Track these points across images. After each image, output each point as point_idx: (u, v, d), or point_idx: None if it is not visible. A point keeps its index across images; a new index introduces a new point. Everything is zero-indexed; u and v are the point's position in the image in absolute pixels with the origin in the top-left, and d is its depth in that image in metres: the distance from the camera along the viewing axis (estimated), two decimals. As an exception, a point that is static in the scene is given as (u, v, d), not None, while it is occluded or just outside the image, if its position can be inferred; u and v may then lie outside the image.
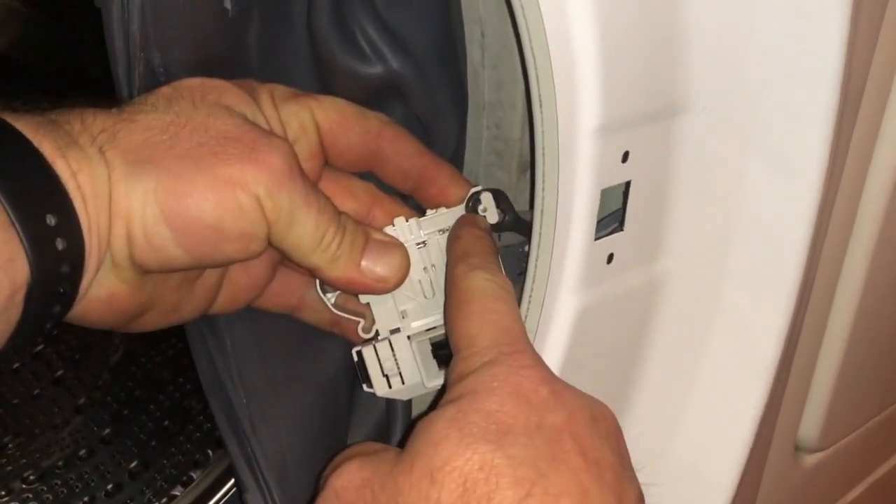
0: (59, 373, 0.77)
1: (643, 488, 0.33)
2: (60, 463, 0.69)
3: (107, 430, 0.71)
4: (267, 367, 0.42)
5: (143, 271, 0.35)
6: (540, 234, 0.38)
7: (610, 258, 0.42)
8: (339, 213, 0.38)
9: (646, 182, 0.41)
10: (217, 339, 0.42)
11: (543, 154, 0.36)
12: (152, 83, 0.38)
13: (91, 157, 0.32)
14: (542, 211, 0.38)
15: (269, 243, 0.36)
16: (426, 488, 0.29)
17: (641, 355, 0.46)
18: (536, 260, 0.39)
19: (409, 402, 0.47)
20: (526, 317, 0.40)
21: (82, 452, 0.70)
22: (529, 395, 0.31)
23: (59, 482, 0.67)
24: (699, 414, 0.48)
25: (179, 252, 0.34)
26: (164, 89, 0.36)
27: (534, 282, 0.39)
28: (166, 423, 0.70)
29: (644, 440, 0.47)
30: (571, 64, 0.35)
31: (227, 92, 0.37)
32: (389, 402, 0.46)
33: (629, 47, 0.37)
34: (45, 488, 0.67)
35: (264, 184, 0.34)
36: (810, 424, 0.61)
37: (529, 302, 0.40)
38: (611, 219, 0.42)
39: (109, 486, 0.66)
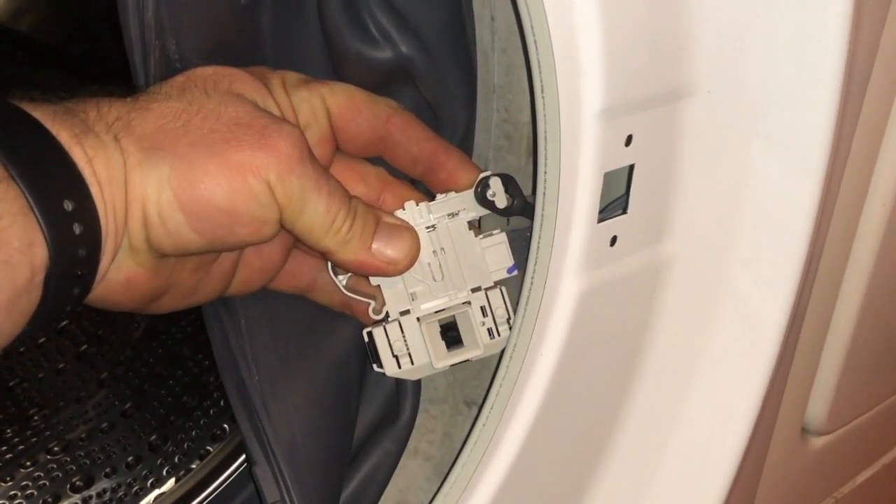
0: (83, 348, 0.80)
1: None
2: (83, 435, 0.71)
3: (128, 405, 0.73)
4: (279, 347, 0.44)
5: (160, 255, 0.36)
6: (542, 216, 0.39)
7: (613, 240, 0.42)
8: (349, 197, 0.39)
9: (650, 165, 0.41)
10: (232, 319, 0.43)
11: (545, 139, 0.37)
12: (168, 69, 0.39)
13: (106, 144, 0.33)
14: (544, 193, 0.38)
15: (282, 226, 0.37)
16: None
17: (645, 338, 0.47)
18: (539, 242, 0.40)
19: (419, 380, 0.48)
20: (528, 298, 0.41)
21: (104, 425, 0.72)
22: None
23: (82, 454, 0.70)
24: (701, 397, 0.48)
25: (194, 236, 0.35)
26: (178, 78, 0.37)
27: (536, 263, 0.40)
28: (185, 398, 0.72)
29: (647, 422, 0.48)
30: (573, 48, 0.35)
31: (238, 80, 0.38)
32: (399, 381, 0.47)
33: (633, 31, 0.37)
34: (68, 459, 0.69)
35: (275, 169, 0.35)
36: (818, 406, 0.61)
37: (532, 283, 0.40)
38: (615, 202, 0.42)
39: (130, 458, 0.68)
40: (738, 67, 0.40)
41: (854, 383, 0.62)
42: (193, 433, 0.68)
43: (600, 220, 0.41)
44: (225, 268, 0.41)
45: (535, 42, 0.34)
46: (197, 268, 0.40)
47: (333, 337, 0.45)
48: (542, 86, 0.35)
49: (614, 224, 0.42)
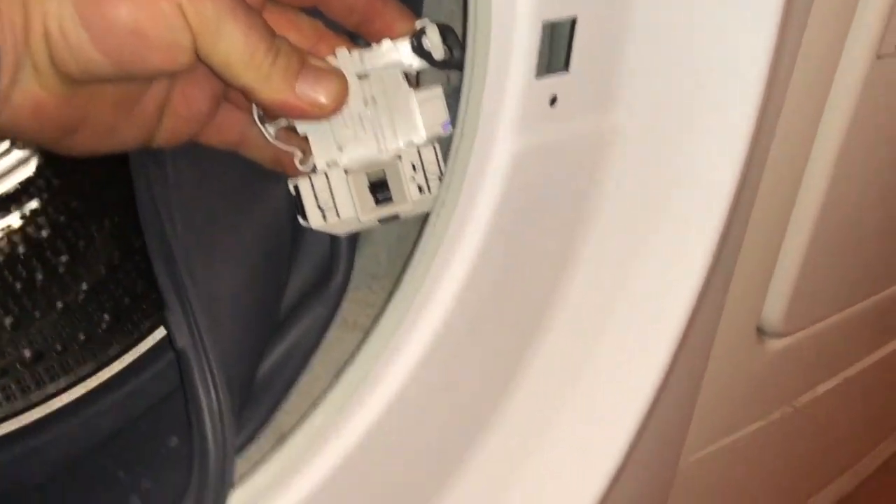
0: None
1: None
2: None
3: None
4: (207, 201, 0.42)
5: (68, 80, 0.35)
6: (473, 65, 0.37)
7: (553, 100, 0.41)
8: (273, 34, 0.37)
9: (595, 21, 0.40)
10: (159, 170, 0.42)
11: (476, -25, 0.35)
12: None
13: None
14: (474, 41, 0.37)
15: (198, 58, 0.36)
16: None
17: (588, 210, 0.46)
18: (469, 92, 0.38)
19: (353, 242, 0.47)
20: (458, 152, 0.39)
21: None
22: None
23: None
24: (642, 275, 0.47)
25: (99, 56, 0.34)
26: None
27: (466, 114, 0.38)
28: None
29: (587, 295, 0.48)
30: None
31: None
32: (332, 241, 0.46)
33: None
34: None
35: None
36: (774, 307, 0.60)
37: (462, 136, 0.39)
38: (556, 59, 0.41)
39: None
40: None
41: (814, 285, 0.61)
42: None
43: (539, 76, 0.39)
44: (148, 111, 0.40)
45: None
46: (116, 105, 0.38)
47: (265, 196, 0.44)
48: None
49: (554, 82, 0.40)
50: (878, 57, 0.51)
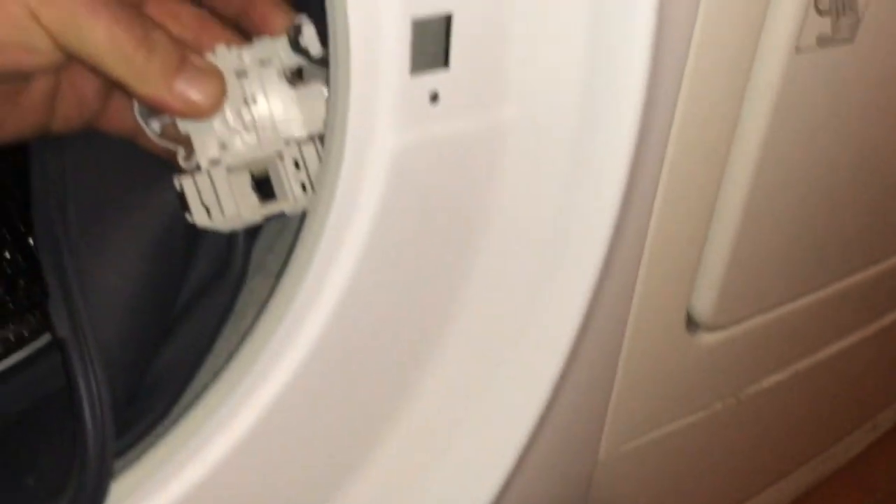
0: None
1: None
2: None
3: None
4: (101, 188, 0.43)
5: None
6: (337, 63, 0.37)
7: (434, 97, 0.40)
8: (146, 27, 0.37)
9: (471, 16, 0.39)
10: (55, 156, 0.42)
11: (328, -26, 0.34)
12: None
13: None
14: (335, 39, 0.36)
15: (67, 54, 0.36)
16: None
17: (481, 203, 0.45)
18: (336, 92, 0.38)
19: (252, 233, 0.47)
20: (331, 150, 0.39)
21: None
22: None
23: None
24: (536, 280, 0.47)
25: None
26: None
27: (336, 115, 0.38)
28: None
29: (481, 292, 0.47)
30: None
31: None
32: (230, 234, 0.46)
33: None
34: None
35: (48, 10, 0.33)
36: (703, 300, 0.59)
37: (333, 136, 0.39)
38: (434, 56, 0.40)
39: None
40: None
41: (744, 280, 0.60)
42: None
43: (414, 73, 0.39)
44: (36, 100, 0.40)
45: None
46: (1, 97, 0.39)
47: (161, 188, 0.44)
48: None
49: (433, 79, 0.40)
50: (798, 51, 0.49)
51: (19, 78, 0.39)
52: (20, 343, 0.53)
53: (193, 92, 0.39)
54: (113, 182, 0.44)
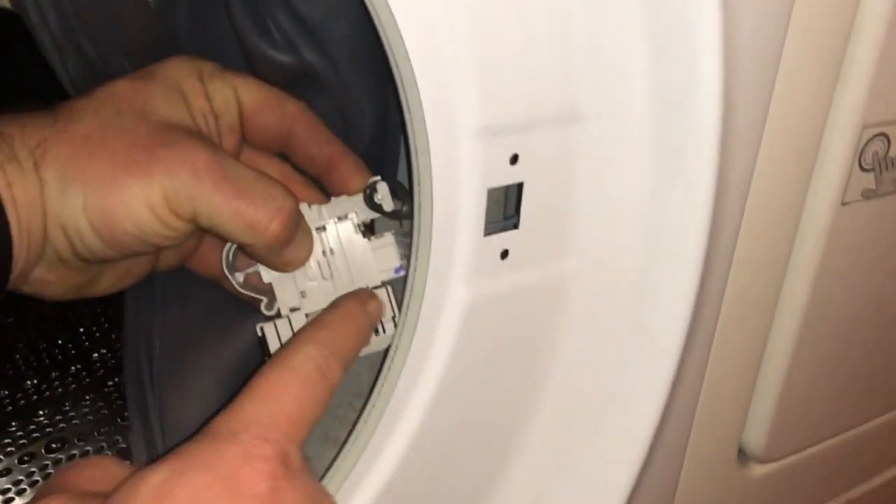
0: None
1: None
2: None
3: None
4: (186, 324, 0.47)
5: (87, 260, 0.40)
6: (419, 225, 0.40)
7: (505, 254, 0.43)
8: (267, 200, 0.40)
9: (541, 184, 0.43)
10: (148, 292, 0.46)
11: (416, 151, 0.38)
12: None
13: (27, 172, 0.37)
14: (419, 205, 0.40)
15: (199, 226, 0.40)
16: None
17: (544, 351, 0.48)
18: (417, 250, 0.41)
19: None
20: (409, 302, 0.42)
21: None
22: (244, 485, 0.31)
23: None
24: (601, 414, 0.49)
25: (113, 252, 0.39)
26: (97, 93, 0.40)
27: (415, 271, 0.42)
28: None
29: (548, 443, 0.49)
30: (441, 72, 0.37)
31: (152, 95, 0.40)
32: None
33: (508, 58, 0.38)
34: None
35: (172, 192, 0.37)
36: (755, 432, 0.61)
37: (412, 288, 0.42)
38: (510, 217, 0.44)
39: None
40: (623, 91, 0.41)
41: (796, 414, 0.62)
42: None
43: (487, 234, 0.42)
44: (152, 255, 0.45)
45: (395, 62, 0.36)
46: (128, 259, 0.43)
47: (239, 325, 0.48)
48: (407, 103, 0.37)
49: (505, 238, 0.43)
50: (844, 204, 0.52)
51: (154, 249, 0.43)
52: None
53: (295, 252, 0.43)
54: (196, 316, 0.48)
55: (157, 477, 0.31)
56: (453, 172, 0.40)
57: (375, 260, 0.45)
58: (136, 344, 0.45)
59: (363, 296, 0.43)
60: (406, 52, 0.35)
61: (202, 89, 0.42)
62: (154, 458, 0.43)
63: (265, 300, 0.45)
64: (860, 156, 0.52)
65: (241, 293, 0.45)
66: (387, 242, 0.45)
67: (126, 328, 0.46)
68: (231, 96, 0.43)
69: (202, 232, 0.46)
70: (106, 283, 0.43)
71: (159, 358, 0.44)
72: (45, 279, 0.39)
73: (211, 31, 0.44)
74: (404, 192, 0.44)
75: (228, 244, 0.45)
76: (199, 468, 0.31)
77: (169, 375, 0.44)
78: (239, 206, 0.38)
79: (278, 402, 0.34)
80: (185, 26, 0.43)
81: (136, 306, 0.47)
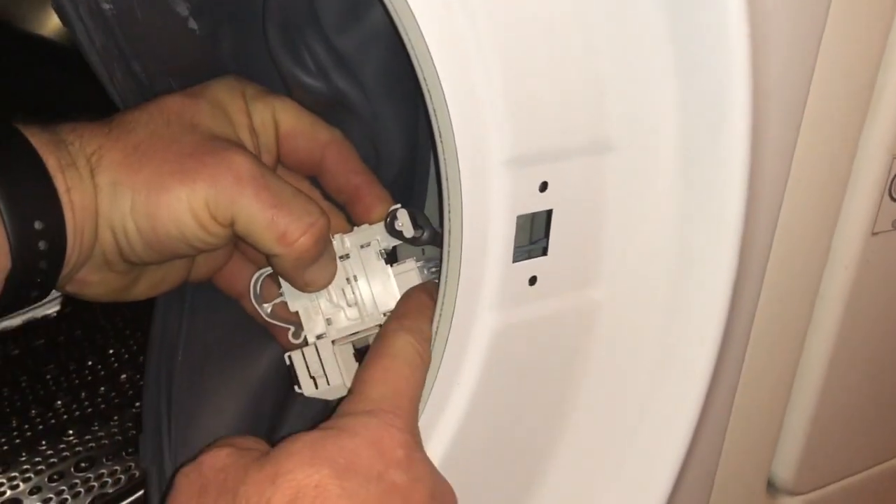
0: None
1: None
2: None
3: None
4: (208, 339, 0.48)
5: (132, 264, 0.42)
6: (449, 252, 0.41)
7: (533, 280, 0.44)
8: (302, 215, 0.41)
9: (570, 212, 0.43)
10: (178, 303, 0.48)
11: (447, 182, 0.39)
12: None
13: (84, 178, 0.39)
14: (449, 232, 0.40)
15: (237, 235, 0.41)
16: (265, 486, 0.33)
17: (571, 379, 0.48)
18: (446, 276, 0.42)
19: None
20: (436, 331, 0.43)
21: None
22: (385, 449, 0.35)
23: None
24: (627, 444, 0.49)
25: (156, 255, 0.41)
26: (149, 106, 0.42)
27: (444, 297, 0.42)
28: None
29: (573, 472, 0.49)
30: (473, 102, 0.37)
31: (200, 111, 0.42)
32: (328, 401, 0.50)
33: (540, 89, 0.39)
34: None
35: (214, 198, 0.39)
36: (784, 464, 0.60)
37: (440, 316, 0.42)
38: (537, 243, 0.44)
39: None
40: (653, 123, 0.41)
41: (826, 447, 0.61)
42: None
43: (516, 260, 0.43)
44: (185, 261, 0.47)
45: (428, 91, 0.36)
46: (165, 265, 0.45)
47: (264, 343, 0.49)
48: (439, 133, 0.37)
49: (533, 265, 0.43)
50: (874, 234, 0.52)
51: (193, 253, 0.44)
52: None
53: (310, 273, 0.43)
54: (221, 329, 0.49)
55: (309, 436, 0.35)
56: (483, 200, 0.40)
57: (398, 285, 0.45)
58: (159, 349, 0.46)
59: (429, 287, 0.45)
60: (439, 82, 0.36)
61: (245, 107, 0.44)
62: (159, 463, 0.44)
63: (292, 329, 0.46)
64: (890, 186, 0.52)
65: (268, 323, 0.46)
66: (409, 268, 0.45)
67: (152, 333, 0.47)
68: (269, 118, 0.44)
69: (234, 246, 0.47)
70: (142, 288, 0.45)
71: (181, 365, 0.46)
72: (88, 280, 0.41)
73: (253, 57, 0.46)
74: (424, 220, 0.45)
75: (257, 274, 0.46)
76: (346, 433, 0.35)
77: (188, 384, 0.45)
78: (275, 216, 0.40)
79: (396, 384, 0.38)
80: (229, 52, 0.45)
81: (165, 312, 0.48)
